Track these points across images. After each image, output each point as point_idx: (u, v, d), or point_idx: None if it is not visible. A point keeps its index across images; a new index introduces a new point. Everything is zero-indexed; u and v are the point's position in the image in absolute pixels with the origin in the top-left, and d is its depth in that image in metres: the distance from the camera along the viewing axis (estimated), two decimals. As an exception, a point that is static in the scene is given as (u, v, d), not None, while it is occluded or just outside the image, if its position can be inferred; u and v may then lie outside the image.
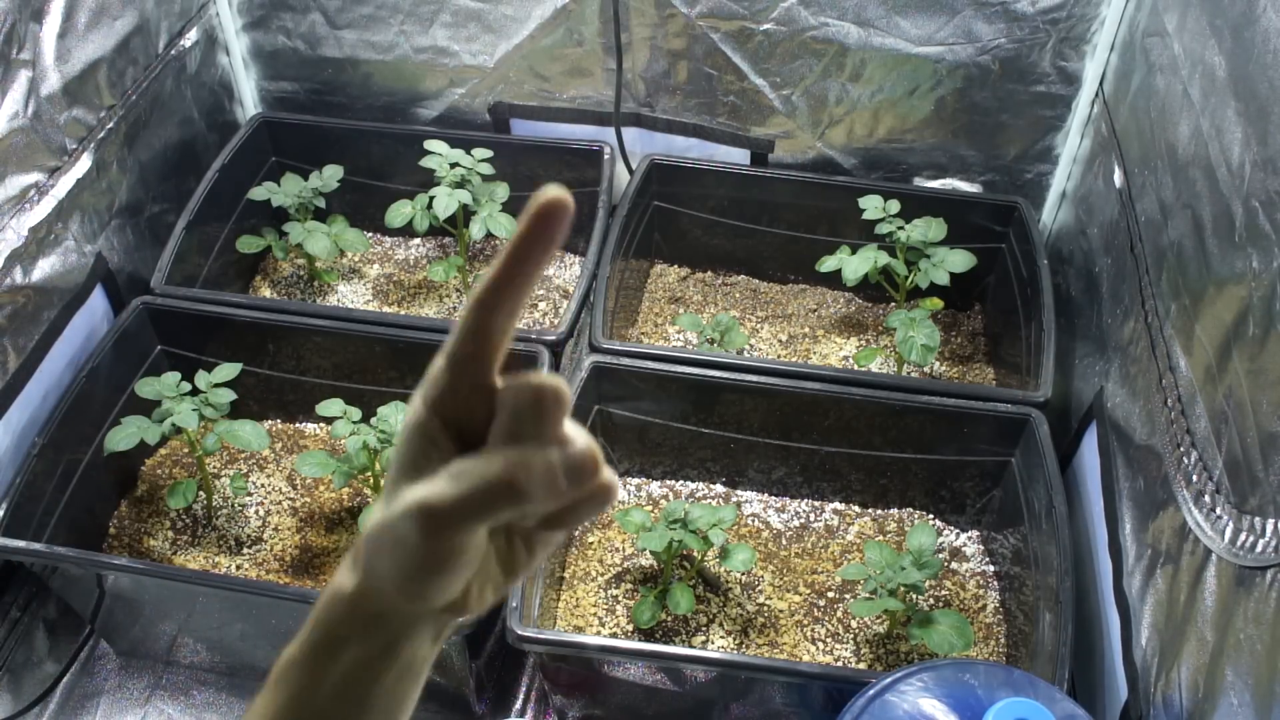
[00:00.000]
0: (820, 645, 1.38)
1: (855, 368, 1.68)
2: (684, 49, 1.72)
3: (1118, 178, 1.45)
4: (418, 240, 1.92)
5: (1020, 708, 0.94)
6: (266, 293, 1.81)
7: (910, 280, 1.60)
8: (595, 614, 1.41)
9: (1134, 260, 1.34)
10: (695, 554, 1.41)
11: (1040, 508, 1.33)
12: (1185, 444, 1.11)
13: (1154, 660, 1.11)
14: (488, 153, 1.63)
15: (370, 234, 1.89)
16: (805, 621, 1.41)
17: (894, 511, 1.55)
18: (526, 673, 1.44)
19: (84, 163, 1.50)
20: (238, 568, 1.44)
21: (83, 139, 1.50)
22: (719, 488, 1.58)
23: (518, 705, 1.41)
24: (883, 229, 1.61)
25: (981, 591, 1.45)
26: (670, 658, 1.22)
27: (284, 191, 1.74)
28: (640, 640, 1.36)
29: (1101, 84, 1.59)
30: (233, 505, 1.51)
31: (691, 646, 1.36)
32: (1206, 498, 1.04)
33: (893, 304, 1.72)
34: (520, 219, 0.45)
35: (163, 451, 1.58)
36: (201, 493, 1.48)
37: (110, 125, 1.55)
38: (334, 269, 1.85)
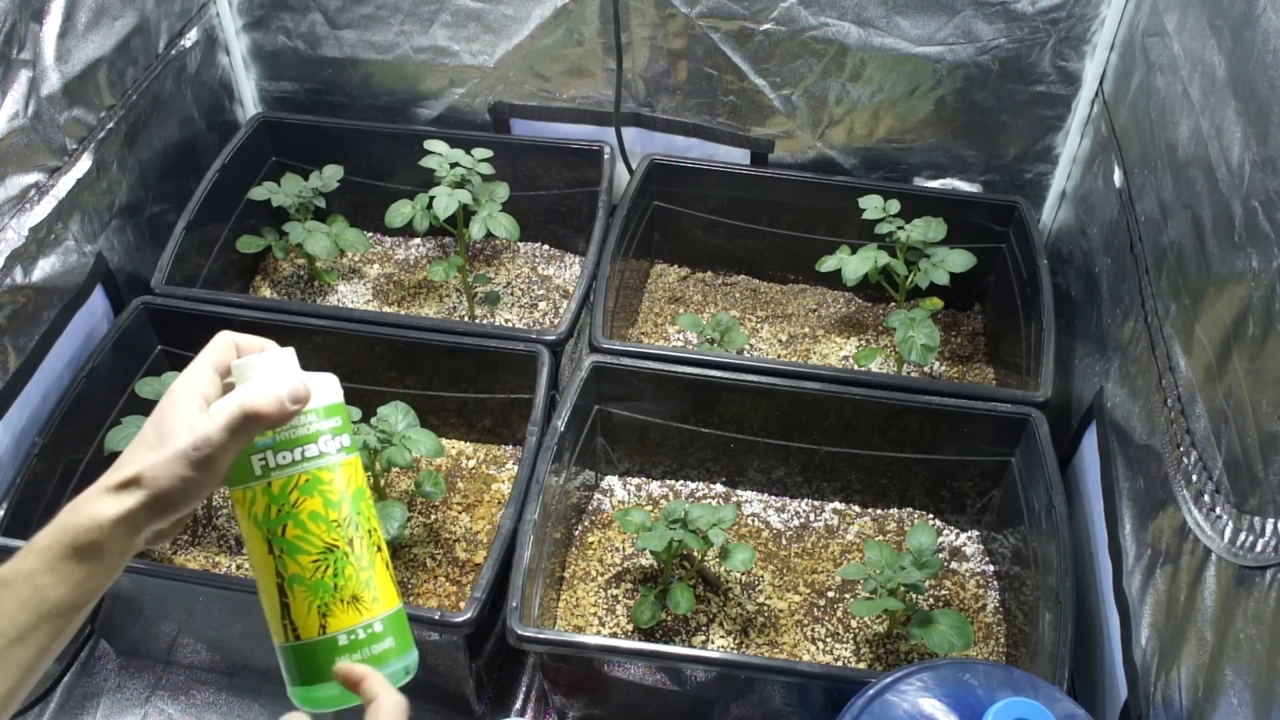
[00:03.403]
0: (820, 645, 1.38)
1: (855, 368, 1.68)
2: (684, 49, 1.72)
3: (1118, 178, 1.45)
4: (418, 240, 1.92)
5: (1020, 708, 0.94)
6: (266, 293, 1.81)
7: (910, 280, 1.60)
8: (595, 614, 1.41)
9: (1134, 260, 1.34)
10: (695, 554, 1.41)
11: (1040, 508, 1.33)
12: (1185, 444, 1.11)
13: (1154, 660, 1.11)
14: (488, 153, 1.62)
15: (370, 234, 1.89)
16: (805, 621, 1.41)
17: (894, 511, 1.55)
18: (526, 673, 1.44)
19: (84, 163, 1.50)
20: (238, 568, 1.44)
21: (83, 139, 1.50)
22: (719, 488, 1.58)
23: (518, 705, 1.41)
24: (883, 229, 1.61)
25: (981, 591, 1.45)
26: (670, 658, 1.22)
27: (284, 191, 1.74)
28: (640, 640, 1.36)
29: (1101, 84, 1.59)
30: (233, 505, 1.50)
31: (691, 646, 1.36)
32: (1206, 498, 1.04)
33: (893, 304, 1.72)
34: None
35: (163, 451, 1.58)
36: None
37: (110, 125, 1.55)
38: (334, 269, 1.85)
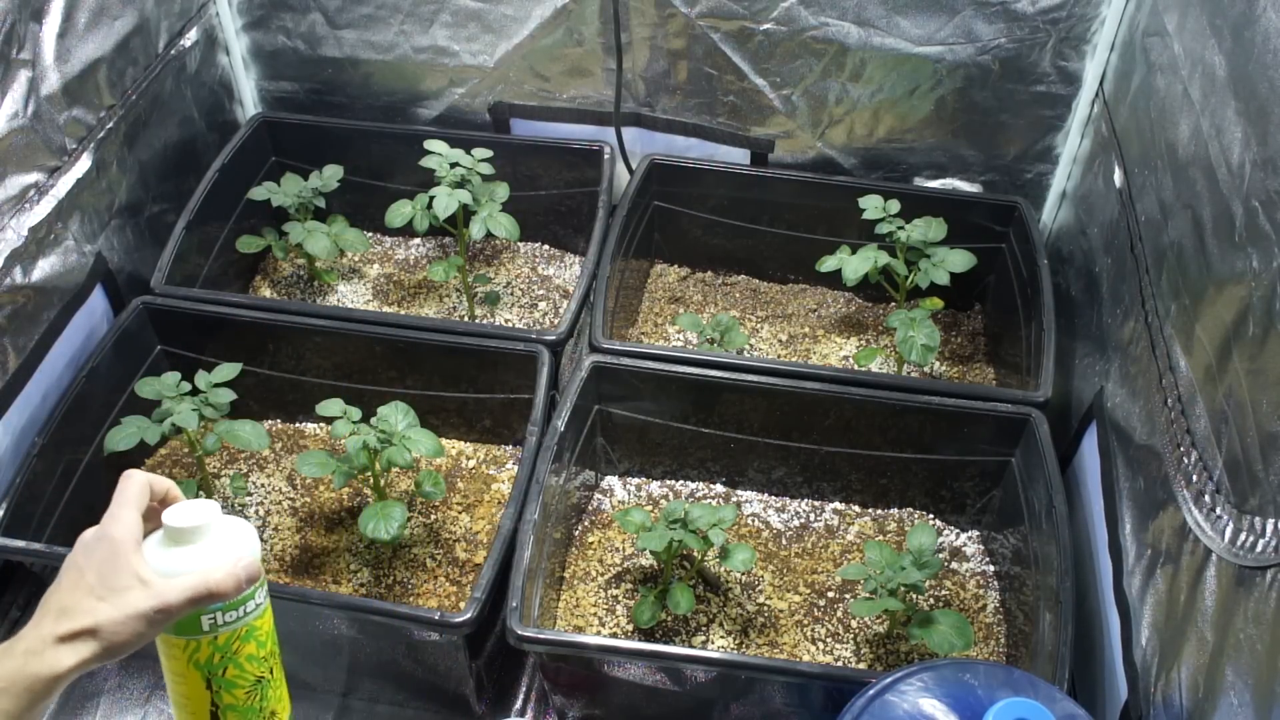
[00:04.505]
0: (820, 645, 1.38)
1: (855, 368, 1.68)
2: (684, 49, 1.72)
3: (1118, 177, 1.45)
4: (418, 240, 1.92)
5: (1020, 708, 0.94)
6: (266, 293, 1.81)
7: (910, 280, 1.60)
8: (595, 614, 1.41)
9: (1134, 260, 1.34)
10: (695, 554, 1.41)
11: (1040, 508, 1.33)
12: (1185, 444, 1.11)
13: (1154, 660, 1.11)
14: (488, 153, 1.62)
15: (370, 234, 1.89)
16: (805, 621, 1.41)
17: (894, 511, 1.55)
18: (526, 673, 1.44)
19: (84, 163, 1.50)
20: (238, 568, 1.44)
21: (83, 139, 1.50)
22: (719, 488, 1.58)
23: (518, 705, 1.41)
24: (883, 229, 1.61)
25: (981, 591, 1.45)
26: (670, 658, 1.22)
27: (284, 191, 1.74)
28: (640, 640, 1.36)
29: (1101, 84, 1.59)
30: (233, 505, 1.51)
31: (691, 646, 1.36)
32: (1206, 498, 1.04)
33: (893, 304, 1.72)
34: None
35: (163, 451, 1.58)
36: (201, 492, 1.48)
37: (110, 125, 1.55)
38: (334, 269, 1.85)
